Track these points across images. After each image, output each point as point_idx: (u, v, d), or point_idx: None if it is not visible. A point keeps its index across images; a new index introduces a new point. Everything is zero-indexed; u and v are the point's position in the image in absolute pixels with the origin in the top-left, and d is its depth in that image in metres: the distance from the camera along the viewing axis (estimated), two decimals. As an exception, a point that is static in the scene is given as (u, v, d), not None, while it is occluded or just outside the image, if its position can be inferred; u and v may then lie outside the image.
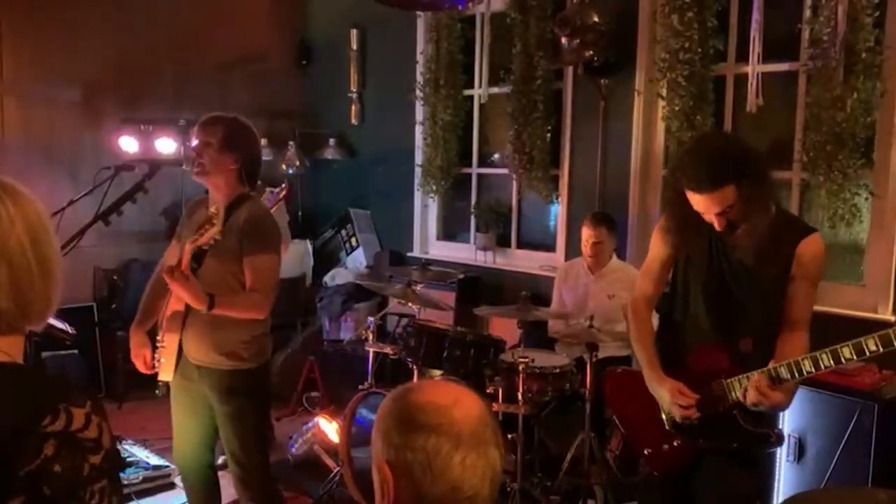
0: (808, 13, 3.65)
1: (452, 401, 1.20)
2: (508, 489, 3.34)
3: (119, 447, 2.38)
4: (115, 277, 5.27)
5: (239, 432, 2.73)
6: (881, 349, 1.99)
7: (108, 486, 1.11)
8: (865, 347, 2.00)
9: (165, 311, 2.72)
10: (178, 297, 2.58)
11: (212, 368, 2.69)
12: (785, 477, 3.13)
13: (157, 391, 2.87)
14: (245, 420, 2.74)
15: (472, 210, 5.40)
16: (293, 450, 4.24)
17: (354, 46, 5.96)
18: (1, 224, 1.12)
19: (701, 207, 2.22)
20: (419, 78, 5.43)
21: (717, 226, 2.23)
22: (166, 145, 5.04)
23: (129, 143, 5.04)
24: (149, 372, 2.78)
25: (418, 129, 5.53)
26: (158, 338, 2.77)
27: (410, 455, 1.15)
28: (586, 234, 3.99)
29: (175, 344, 2.69)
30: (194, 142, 2.70)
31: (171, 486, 3.83)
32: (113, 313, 5.20)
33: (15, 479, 1.03)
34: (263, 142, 2.87)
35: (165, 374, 2.74)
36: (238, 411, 2.72)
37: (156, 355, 2.78)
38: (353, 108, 6.03)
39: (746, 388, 2.19)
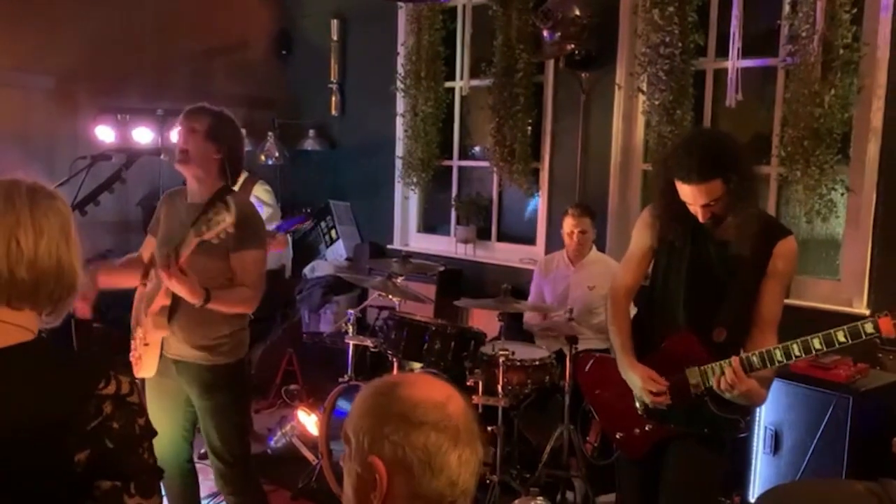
0: (787, 9, 3.68)
1: (446, 397, 1.21)
2: (488, 481, 3.36)
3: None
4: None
5: (220, 426, 2.72)
6: (850, 341, 2.06)
7: (150, 445, 1.28)
8: (835, 339, 2.07)
9: (146, 307, 2.68)
10: (166, 292, 2.55)
11: (191, 363, 2.67)
12: (761, 469, 3.17)
13: None
14: (226, 414, 2.73)
15: (453, 203, 5.40)
16: (272, 442, 4.22)
17: (335, 37, 5.92)
18: (67, 210, 1.35)
19: (688, 198, 2.28)
20: (400, 69, 5.40)
21: (700, 217, 2.29)
22: (144, 135, 4.98)
23: (105, 133, 4.97)
24: (84, 311, 2.71)
25: (399, 121, 5.51)
26: (138, 335, 2.73)
27: (410, 452, 1.15)
28: (571, 224, 4.00)
29: (160, 341, 2.66)
30: (178, 129, 2.69)
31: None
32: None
33: (82, 434, 1.19)
34: (242, 132, 2.83)
35: (148, 371, 2.70)
36: (219, 406, 2.71)
37: (133, 353, 2.75)
38: (334, 98, 5.99)
39: (720, 375, 2.24)
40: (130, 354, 2.78)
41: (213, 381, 2.68)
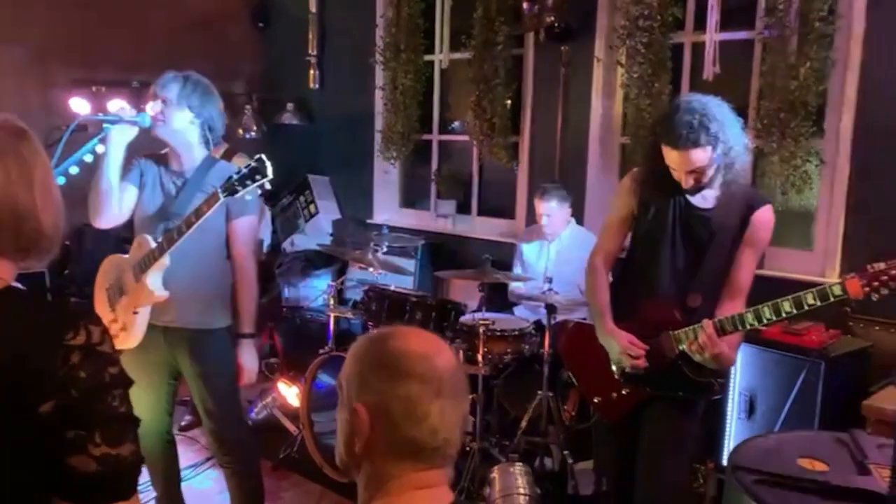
0: (764, -18, 3.70)
1: (434, 350, 1.24)
2: (468, 448, 3.40)
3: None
4: (67, 242, 5.15)
5: (215, 389, 2.74)
6: (819, 303, 2.10)
7: (124, 393, 1.25)
8: (804, 301, 2.11)
9: (135, 273, 2.64)
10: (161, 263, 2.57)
11: (186, 329, 2.68)
12: (736, 434, 3.24)
13: None
14: (221, 375, 2.75)
15: (433, 177, 5.40)
16: (253, 414, 4.24)
17: (313, 9, 5.86)
18: (33, 154, 1.28)
19: (674, 163, 2.30)
20: (379, 42, 5.37)
21: (684, 184, 2.31)
22: (119, 107, 4.91)
23: (80, 105, 4.88)
24: None
25: (378, 95, 5.49)
26: (120, 305, 2.69)
27: (392, 401, 1.19)
28: (537, 207, 4.03)
29: (150, 307, 2.64)
30: (151, 100, 2.67)
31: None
32: (66, 279, 5.09)
33: (48, 383, 1.16)
34: (216, 94, 2.82)
35: (133, 341, 2.67)
36: (214, 369, 2.73)
37: (114, 325, 2.72)
38: (312, 72, 5.94)
39: (693, 339, 2.28)
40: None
41: (207, 344, 2.70)
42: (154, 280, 2.60)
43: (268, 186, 2.42)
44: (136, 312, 2.64)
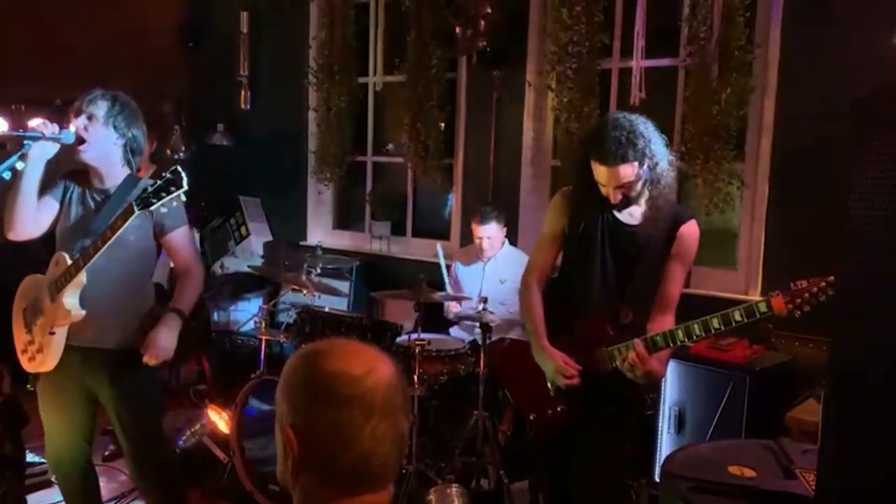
0: (686, 11, 3.85)
1: (366, 370, 1.18)
2: (404, 471, 3.36)
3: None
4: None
5: (136, 413, 2.65)
6: (745, 320, 2.19)
7: (3, 431, 1.07)
8: (732, 318, 2.20)
9: (51, 292, 2.55)
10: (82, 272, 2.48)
11: (105, 349, 2.59)
12: (666, 449, 3.29)
13: (28, 385, 2.71)
14: (143, 399, 2.67)
15: (367, 198, 5.39)
16: (181, 442, 4.10)
17: (244, 29, 5.80)
18: None
19: (602, 179, 2.35)
20: (312, 63, 5.35)
21: (612, 199, 2.37)
22: (40, 123, 4.74)
23: (-3, 123, 4.71)
24: None
25: (311, 116, 5.46)
26: (37, 326, 2.60)
27: (322, 427, 1.15)
28: (475, 230, 4.07)
29: (67, 327, 2.54)
30: (75, 117, 2.60)
31: (49, 483, 3.64)
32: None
33: None
34: (141, 116, 2.78)
35: (50, 363, 2.57)
36: (135, 392, 2.64)
37: (30, 347, 2.62)
38: (243, 92, 5.87)
39: (625, 356, 2.32)
40: (21, 352, 2.65)
41: (126, 364, 2.60)
42: (70, 299, 2.51)
43: (183, 198, 2.38)
44: (52, 333, 2.55)
